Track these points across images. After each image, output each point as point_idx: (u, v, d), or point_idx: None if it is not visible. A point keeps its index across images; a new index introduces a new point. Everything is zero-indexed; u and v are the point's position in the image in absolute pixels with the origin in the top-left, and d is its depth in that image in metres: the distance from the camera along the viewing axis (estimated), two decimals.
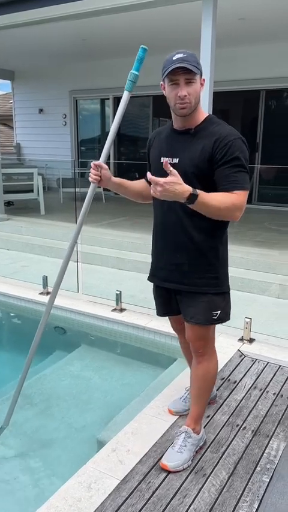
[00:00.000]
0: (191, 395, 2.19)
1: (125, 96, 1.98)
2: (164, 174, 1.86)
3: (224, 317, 2.04)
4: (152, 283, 2.18)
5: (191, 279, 1.96)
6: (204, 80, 1.86)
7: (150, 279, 2.18)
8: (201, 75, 1.84)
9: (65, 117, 10.24)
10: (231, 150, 1.78)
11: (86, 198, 2.08)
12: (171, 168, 1.68)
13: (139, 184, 2.18)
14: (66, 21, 5.32)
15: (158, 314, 2.28)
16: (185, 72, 1.77)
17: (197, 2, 4.33)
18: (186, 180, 1.77)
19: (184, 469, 2.02)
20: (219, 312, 2.00)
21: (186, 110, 1.83)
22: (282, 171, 7.84)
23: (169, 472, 2.00)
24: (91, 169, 1.99)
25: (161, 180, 1.67)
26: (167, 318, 3.37)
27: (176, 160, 1.89)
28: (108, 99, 9.58)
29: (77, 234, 2.17)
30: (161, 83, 1.88)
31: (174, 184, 1.68)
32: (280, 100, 7.95)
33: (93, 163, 1.98)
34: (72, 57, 8.72)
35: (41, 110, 10.55)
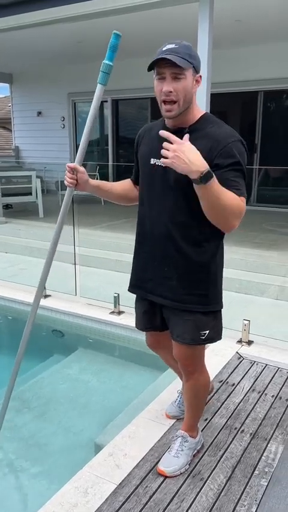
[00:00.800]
0: (184, 405, 2.13)
1: (98, 90, 1.76)
2: (150, 175, 1.77)
3: (215, 337, 1.88)
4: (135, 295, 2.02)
5: (178, 295, 1.79)
6: (200, 76, 1.65)
7: (132, 290, 2.01)
8: (196, 71, 1.62)
9: (63, 120, 10.25)
10: (231, 153, 1.61)
11: (63, 204, 1.92)
12: (185, 136, 1.50)
13: (122, 185, 2.03)
14: (65, 23, 5.33)
15: (138, 328, 2.10)
16: (172, 66, 1.54)
17: (193, 4, 4.33)
18: (179, 186, 1.66)
19: (181, 473, 2.00)
20: (207, 331, 1.83)
21: (172, 112, 1.63)
22: (281, 172, 7.84)
23: (166, 477, 1.98)
24: (66, 172, 1.83)
25: (177, 140, 1.48)
26: None
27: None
28: (107, 101, 9.59)
29: (56, 240, 2.06)
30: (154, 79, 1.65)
31: (190, 152, 1.49)
32: (278, 101, 7.95)
33: (67, 165, 1.81)
34: (70, 59, 8.74)
35: (39, 113, 10.56)
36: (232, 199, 1.58)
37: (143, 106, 9.22)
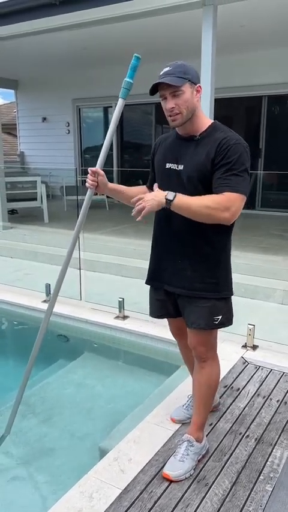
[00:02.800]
0: (193, 402, 2.17)
1: (120, 104, 2.04)
2: (168, 179, 1.97)
3: (226, 322, 2.03)
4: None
5: (193, 284, 1.96)
6: (200, 86, 1.87)
7: (149, 282, 2.18)
8: (194, 82, 1.84)
9: (68, 126, 10.31)
10: (229, 153, 1.79)
11: (83, 205, 2.12)
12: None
13: (137, 190, 2.20)
14: (70, 30, 5.38)
15: (151, 315, 2.28)
16: (168, 86, 1.80)
17: (197, 10, 4.36)
18: (192, 186, 1.87)
19: (186, 478, 2.00)
20: (220, 316, 1.99)
21: (177, 121, 1.87)
22: (285, 177, 7.84)
23: (171, 481, 1.98)
24: (88, 175, 2.03)
25: (147, 195, 1.80)
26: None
27: (181, 167, 1.92)
28: (111, 107, 9.64)
29: (75, 241, 2.20)
30: None
31: (149, 195, 1.80)
32: (283, 106, 7.96)
33: (90, 169, 2.02)
34: (75, 65, 8.80)
35: (44, 119, 10.63)
36: (205, 200, 1.78)
37: (147, 111, 9.25)
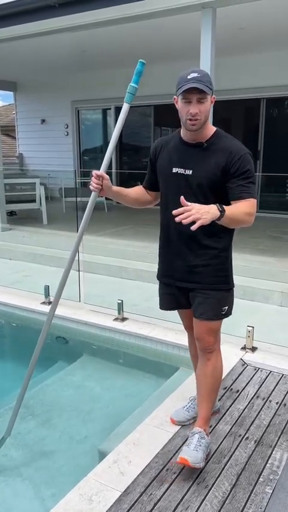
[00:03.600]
0: (199, 396, 2.20)
1: (125, 108, 2.06)
2: (173, 182, 2.05)
3: (229, 312, 2.16)
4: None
5: (205, 278, 2.08)
6: (214, 97, 1.98)
7: (160, 278, 2.27)
8: (212, 94, 1.95)
9: (67, 127, 10.31)
10: (243, 164, 1.93)
11: (87, 207, 2.14)
12: (187, 203, 1.76)
13: (135, 191, 2.28)
14: (69, 32, 5.39)
15: (162, 308, 2.32)
16: (198, 92, 1.88)
17: (196, 13, 4.37)
18: (201, 190, 1.98)
19: (200, 467, 2.02)
20: (226, 307, 2.13)
21: (196, 126, 1.96)
22: (284, 179, 7.85)
23: (171, 483, 1.97)
24: (92, 178, 2.06)
25: (187, 205, 1.75)
26: (169, 327, 3.37)
27: (189, 172, 2.00)
28: (110, 109, 9.65)
29: (79, 243, 2.20)
30: (175, 97, 1.98)
31: (202, 207, 1.75)
32: (281, 108, 7.98)
33: (94, 172, 2.05)
34: (74, 67, 8.81)
35: (43, 121, 10.63)
36: (243, 209, 1.90)
37: (146, 113, 9.26)
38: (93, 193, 2.09)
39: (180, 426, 2.37)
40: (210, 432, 2.32)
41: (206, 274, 2.08)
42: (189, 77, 1.88)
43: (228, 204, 1.93)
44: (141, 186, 2.30)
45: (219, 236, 2.05)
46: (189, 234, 1.97)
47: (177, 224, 1.97)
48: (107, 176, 2.07)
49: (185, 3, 4.31)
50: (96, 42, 6.69)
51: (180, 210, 1.73)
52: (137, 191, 2.28)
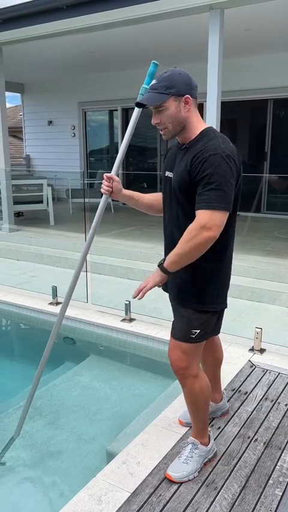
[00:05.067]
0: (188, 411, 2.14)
1: (136, 111, 2.02)
2: (165, 186, 1.98)
3: (205, 337, 1.97)
4: None
5: (178, 291, 1.95)
6: (188, 97, 1.77)
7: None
8: (179, 95, 1.76)
9: (73, 129, 10.34)
10: (204, 166, 1.71)
11: (98, 210, 2.13)
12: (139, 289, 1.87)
13: (150, 196, 2.19)
14: (78, 34, 5.41)
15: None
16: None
17: (204, 14, 4.37)
18: (175, 194, 1.87)
19: (190, 480, 1.99)
20: (198, 330, 1.91)
21: (166, 135, 1.87)
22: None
23: (180, 485, 1.97)
24: (103, 181, 2.04)
25: (141, 286, 1.87)
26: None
27: (171, 175, 1.91)
28: (117, 110, 9.67)
29: (89, 245, 2.20)
30: None
31: (149, 281, 1.86)
32: None
33: (105, 175, 2.03)
34: (81, 69, 8.84)
35: (50, 122, 10.67)
36: (184, 239, 1.76)
37: (151, 114, 9.26)
38: (104, 196, 2.07)
39: (188, 427, 2.36)
40: (219, 435, 2.31)
41: (180, 286, 1.91)
42: (148, 87, 1.84)
43: None
44: (160, 193, 2.19)
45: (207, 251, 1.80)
46: (170, 237, 1.97)
47: (165, 227, 2.00)
48: (117, 178, 2.04)
49: (193, 5, 4.32)
50: (104, 44, 6.72)
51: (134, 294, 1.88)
52: (152, 197, 2.19)
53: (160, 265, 1.84)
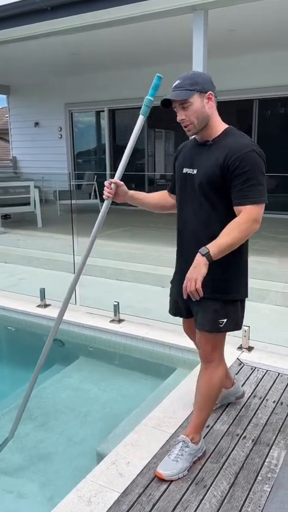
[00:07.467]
0: (195, 402, 2.18)
1: (140, 120, 2.11)
2: (183, 183, 2.05)
3: (232, 326, 2.04)
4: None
5: (204, 284, 1.88)
6: (211, 93, 1.91)
7: (171, 282, 2.26)
8: (204, 91, 1.89)
9: (60, 130, 10.31)
10: (242, 164, 1.82)
11: (100, 214, 2.15)
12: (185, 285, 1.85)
13: (156, 195, 2.29)
14: (63, 35, 5.39)
15: (170, 312, 2.32)
16: (176, 100, 1.88)
17: (188, 15, 4.39)
18: (202, 190, 1.93)
19: (179, 478, 2.01)
20: (225, 320, 2.00)
21: (190, 131, 1.95)
22: (276, 179, 7.89)
23: (170, 484, 1.98)
24: (105, 187, 2.10)
25: (186, 278, 1.84)
26: (166, 328, 3.39)
27: (194, 171, 1.98)
28: (103, 111, 9.66)
29: (89, 250, 2.24)
30: None
31: (192, 270, 1.83)
32: (273, 109, 8.02)
33: (106, 182, 2.09)
34: (67, 70, 8.82)
35: (36, 124, 10.62)
36: (234, 227, 1.83)
37: (139, 115, 9.28)
38: (106, 201, 2.12)
39: (178, 426, 2.38)
40: (208, 433, 2.33)
41: (209, 278, 1.88)
42: (172, 86, 1.91)
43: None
44: (165, 191, 2.30)
45: None
46: (192, 232, 2.01)
47: (184, 222, 2.04)
48: (121, 183, 2.10)
49: (176, 6, 4.32)
50: (88, 45, 6.71)
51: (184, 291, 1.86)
52: (158, 196, 2.28)
53: (206, 254, 1.81)
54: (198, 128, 1.93)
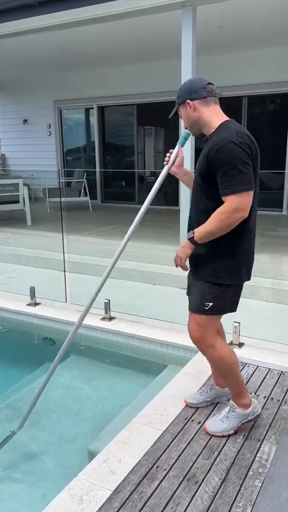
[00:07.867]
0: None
1: (176, 149, 2.24)
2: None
3: (215, 309, 2.13)
4: None
5: (196, 266, 2.15)
6: (188, 101, 2.07)
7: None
8: (182, 103, 2.10)
9: (49, 127, 10.24)
10: (221, 156, 1.92)
11: (157, 181, 2.22)
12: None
13: None
14: (51, 31, 5.35)
15: (186, 294, 2.38)
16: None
17: (177, 11, 4.38)
18: (197, 183, 2.11)
19: (224, 436, 2.23)
20: (211, 303, 2.11)
21: (193, 134, 2.19)
22: (266, 176, 7.92)
23: (161, 480, 1.98)
24: (168, 154, 2.23)
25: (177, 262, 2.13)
26: (157, 325, 3.38)
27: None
28: (93, 108, 9.62)
29: (126, 242, 2.48)
30: None
31: (180, 253, 2.10)
32: (262, 106, 8.05)
33: (170, 150, 2.24)
34: (56, 67, 8.75)
35: (25, 121, 10.54)
36: (216, 218, 1.97)
37: (128, 112, 9.25)
38: (165, 168, 2.21)
39: (169, 423, 2.38)
40: (199, 429, 2.34)
41: (196, 261, 2.13)
42: None
43: None
44: None
45: None
46: (192, 220, 2.16)
47: (191, 210, 2.18)
48: (181, 154, 2.24)
49: (165, 2, 4.31)
50: (77, 41, 6.67)
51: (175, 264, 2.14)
52: None
53: (190, 238, 2.04)
54: (196, 130, 2.14)
